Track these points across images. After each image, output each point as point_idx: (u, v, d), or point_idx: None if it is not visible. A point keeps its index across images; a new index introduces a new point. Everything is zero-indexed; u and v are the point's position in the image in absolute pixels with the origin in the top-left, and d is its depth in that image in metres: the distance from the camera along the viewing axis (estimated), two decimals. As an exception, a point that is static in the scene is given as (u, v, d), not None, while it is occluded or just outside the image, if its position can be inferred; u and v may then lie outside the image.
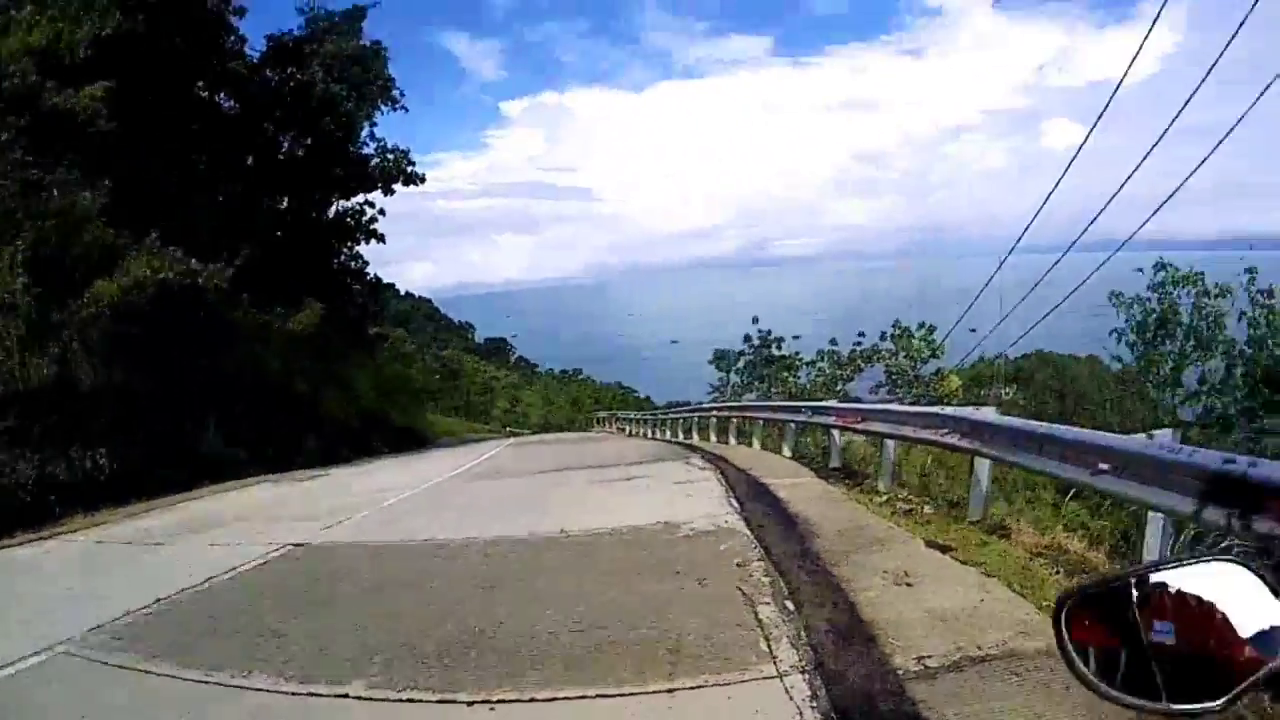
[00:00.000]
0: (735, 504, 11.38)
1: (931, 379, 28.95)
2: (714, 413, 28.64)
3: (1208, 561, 1.56)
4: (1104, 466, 7.29)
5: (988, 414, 10.69)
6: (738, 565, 7.92)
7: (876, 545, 8.59)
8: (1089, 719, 4.81)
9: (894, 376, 29.54)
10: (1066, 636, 1.60)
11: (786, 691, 5.01)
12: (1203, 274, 17.24)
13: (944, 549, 8.66)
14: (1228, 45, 11.29)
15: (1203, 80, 11.64)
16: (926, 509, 11.26)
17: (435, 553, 9.62)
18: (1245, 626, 1.46)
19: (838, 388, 31.08)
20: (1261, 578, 1.49)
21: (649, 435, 35.71)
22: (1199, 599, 1.50)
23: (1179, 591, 1.53)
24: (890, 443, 13.02)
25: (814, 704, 4.84)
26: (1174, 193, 13.01)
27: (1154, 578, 1.58)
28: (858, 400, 26.65)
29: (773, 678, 5.23)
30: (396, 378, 45.61)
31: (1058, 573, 8.00)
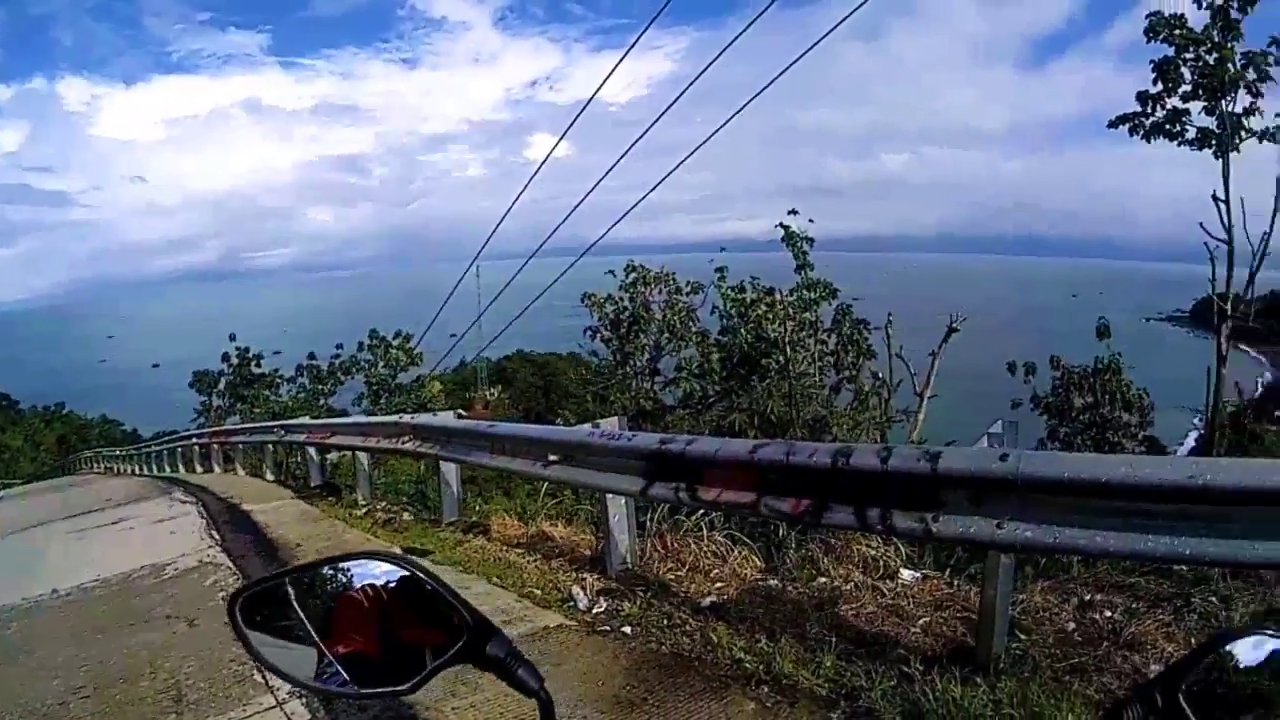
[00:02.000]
0: (217, 536, 11.50)
1: (412, 386, 29.00)
2: (194, 440, 27.86)
3: (366, 559, 1.64)
4: (553, 458, 8.14)
5: (445, 419, 11.47)
6: (224, 599, 7.75)
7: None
8: (581, 691, 5.54)
9: (374, 386, 29.31)
10: (244, 628, 1.58)
11: (288, 718, 5.26)
12: (674, 273, 18.60)
13: (423, 554, 9.18)
14: (696, 77, 12.31)
15: (667, 108, 12.73)
16: (406, 516, 11.84)
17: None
18: (419, 612, 1.58)
19: (320, 403, 30.55)
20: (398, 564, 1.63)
21: (135, 471, 33.93)
22: (368, 589, 1.60)
23: (343, 583, 1.62)
24: (363, 455, 13.48)
25: (316, 724, 5.14)
26: (635, 205, 14.46)
27: (324, 571, 1.68)
28: (343, 413, 26.26)
29: (272, 707, 5.42)
30: None
31: (536, 559, 8.75)
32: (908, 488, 5.28)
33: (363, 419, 16.48)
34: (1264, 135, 17.65)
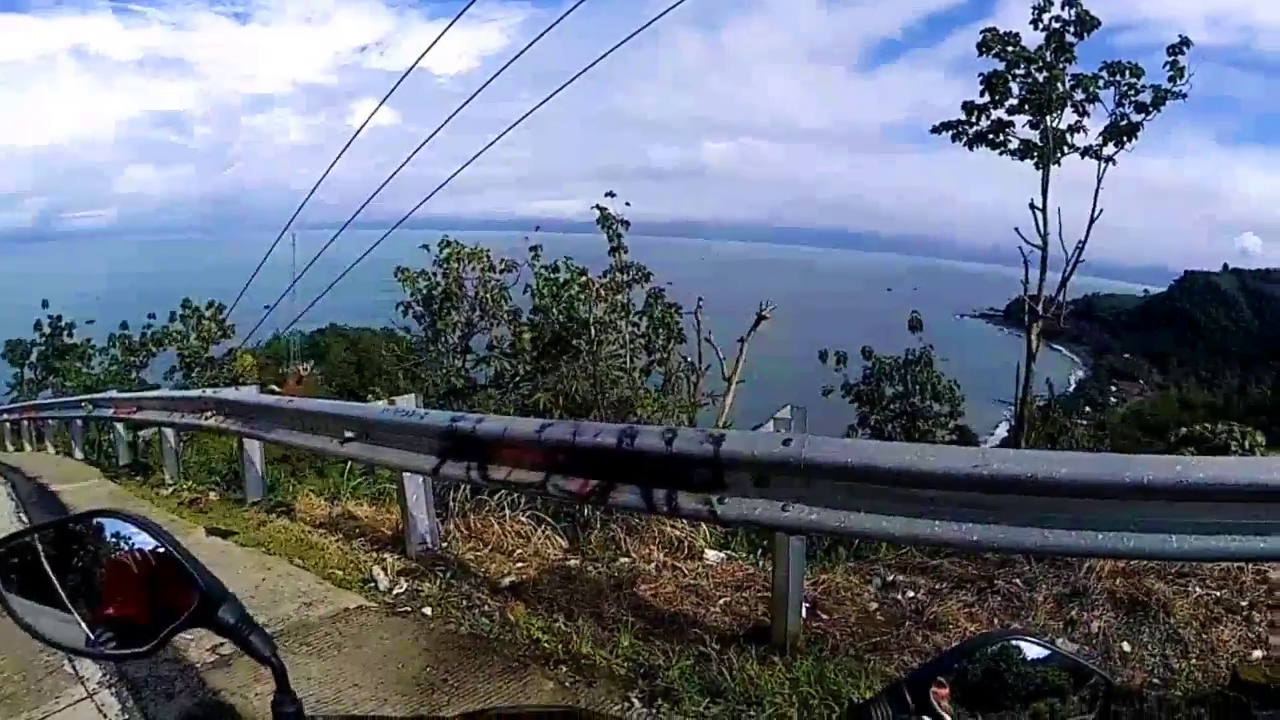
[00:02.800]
0: (25, 520, 10.83)
1: (224, 360, 28.11)
2: (4, 417, 26.54)
3: (108, 518, 1.61)
4: (350, 434, 7.95)
5: (247, 394, 11.18)
6: None
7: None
8: (380, 674, 5.44)
9: (186, 359, 28.21)
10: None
11: (99, 709, 5.08)
12: (488, 250, 18.18)
13: (225, 534, 8.97)
14: (520, 54, 12.17)
15: (486, 83, 12.66)
16: (212, 496, 11.49)
17: None
18: (157, 574, 1.55)
19: (132, 376, 29.40)
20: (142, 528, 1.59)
21: None
22: (108, 549, 1.58)
23: (88, 542, 1.61)
24: (170, 431, 13.09)
25: (125, 714, 5.03)
26: (448, 180, 14.42)
27: (72, 528, 1.66)
28: (155, 388, 25.27)
29: (84, 699, 5.20)
30: None
31: (339, 539, 8.60)
32: (693, 470, 5.31)
33: (167, 393, 15.85)
34: (1086, 152, 18.59)
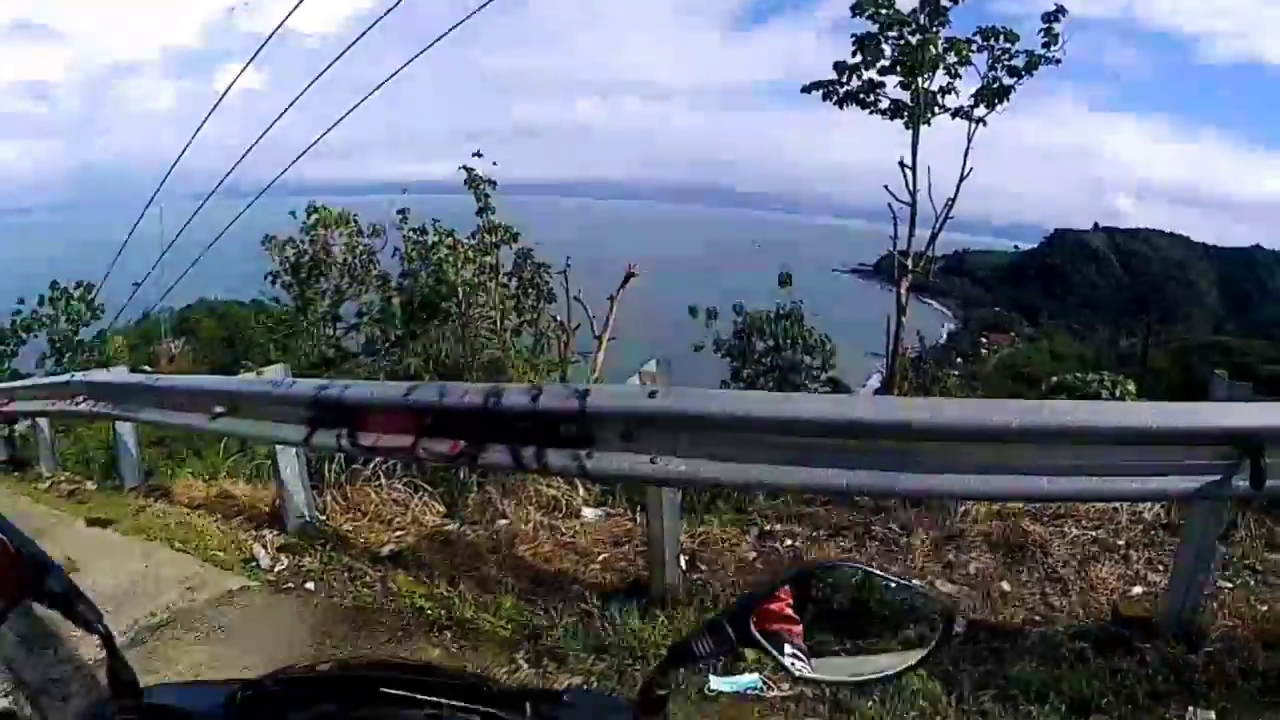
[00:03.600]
0: None
1: (94, 342, 27.18)
2: None
3: None
4: (219, 409, 7.62)
5: (116, 374, 10.74)
6: None
7: (39, 537, 8.04)
8: (268, 653, 5.28)
9: (57, 344, 27.17)
10: None
11: None
12: (357, 215, 18.10)
13: (105, 524, 8.60)
14: (386, 13, 11.81)
15: (351, 44, 12.14)
16: (89, 485, 11.16)
17: None
18: None
19: (3, 366, 28.22)
20: None
21: None
22: None
23: None
24: (44, 422, 12.65)
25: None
26: (313, 144, 13.83)
27: None
28: (28, 376, 24.26)
29: None
30: None
31: (218, 520, 8.32)
32: (559, 425, 5.26)
33: (35, 380, 15.17)
34: (958, 113, 18.76)
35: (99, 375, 10.76)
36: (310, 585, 6.50)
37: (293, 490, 7.61)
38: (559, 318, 16.42)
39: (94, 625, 1.48)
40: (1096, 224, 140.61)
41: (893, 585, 1.69)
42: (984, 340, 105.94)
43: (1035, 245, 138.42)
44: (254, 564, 7.05)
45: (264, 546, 7.31)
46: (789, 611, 1.48)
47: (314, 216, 17.72)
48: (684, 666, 1.51)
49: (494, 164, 16.51)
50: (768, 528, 6.74)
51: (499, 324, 15.31)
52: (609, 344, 16.11)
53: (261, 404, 7.25)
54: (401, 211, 17.22)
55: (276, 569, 6.91)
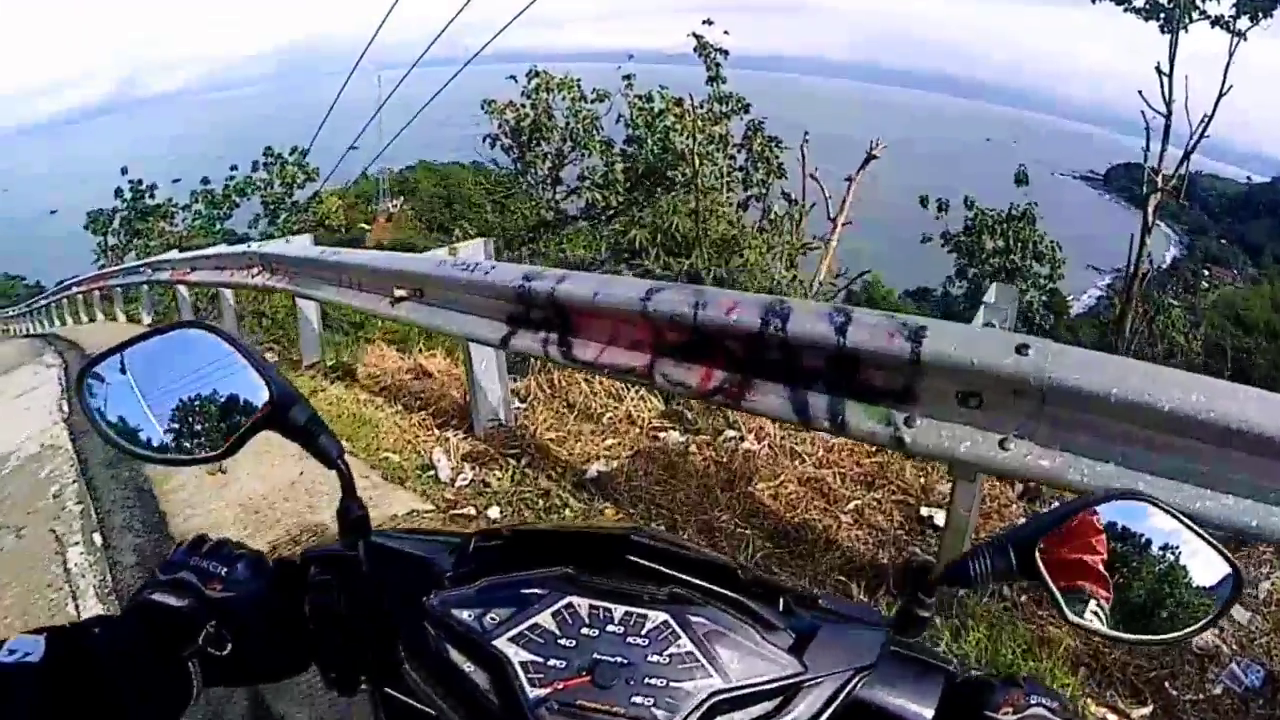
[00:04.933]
0: (66, 409, 9.99)
1: (309, 203, 27.34)
2: (75, 290, 25.34)
3: (182, 329, 1.49)
4: (401, 293, 6.44)
5: (294, 246, 9.43)
6: (54, 497, 6.74)
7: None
8: None
9: (271, 206, 27.72)
10: (88, 401, 1.41)
11: None
12: (579, 79, 17.61)
13: None
14: None
15: None
16: (269, 356, 10.22)
17: None
18: (228, 379, 1.44)
19: (216, 228, 28.80)
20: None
21: (29, 330, 30.61)
22: (187, 359, 1.45)
23: (164, 353, 1.47)
24: (228, 291, 11.95)
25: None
26: (524, 10, 12.61)
27: (150, 344, 1.46)
28: (245, 238, 24.44)
29: None
30: None
31: (398, 410, 7.32)
32: (869, 370, 3.79)
33: (218, 250, 14.55)
34: (1217, 22, 17.52)
35: (275, 246, 9.72)
36: (495, 512, 5.25)
37: (487, 388, 6.27)
38: (792, 195, 15.72)
39: (334, 460, 1.38)
40: None
41: (1186, 533, 1.27)
42: (1207, 272, 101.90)
43: (1269, 180, 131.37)
44: (431, 474, 5.82)
45: (446, 453, 6.06)
46: (1082, 546, 1.25)
47: (535, 81, 17.36)
48: (955, 586, 1.23)
49: (725, 33, 15.98)
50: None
51: (726, 197, 14.39)
52: (843, 229, 14.91)
53: (452, 290, 5.87)
54: (627, 77, 16.54)
55: (457, 484, 5.66)
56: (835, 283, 16.72)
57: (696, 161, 13.71)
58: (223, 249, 12.60)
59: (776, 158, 15.77)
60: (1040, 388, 3.30)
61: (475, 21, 15.37)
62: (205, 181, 30.71)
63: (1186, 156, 18.08)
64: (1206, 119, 17.17)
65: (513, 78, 17.62)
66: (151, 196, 32.84)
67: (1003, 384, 3.41)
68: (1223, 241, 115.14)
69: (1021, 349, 3.33)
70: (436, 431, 6.62)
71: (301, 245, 9.30)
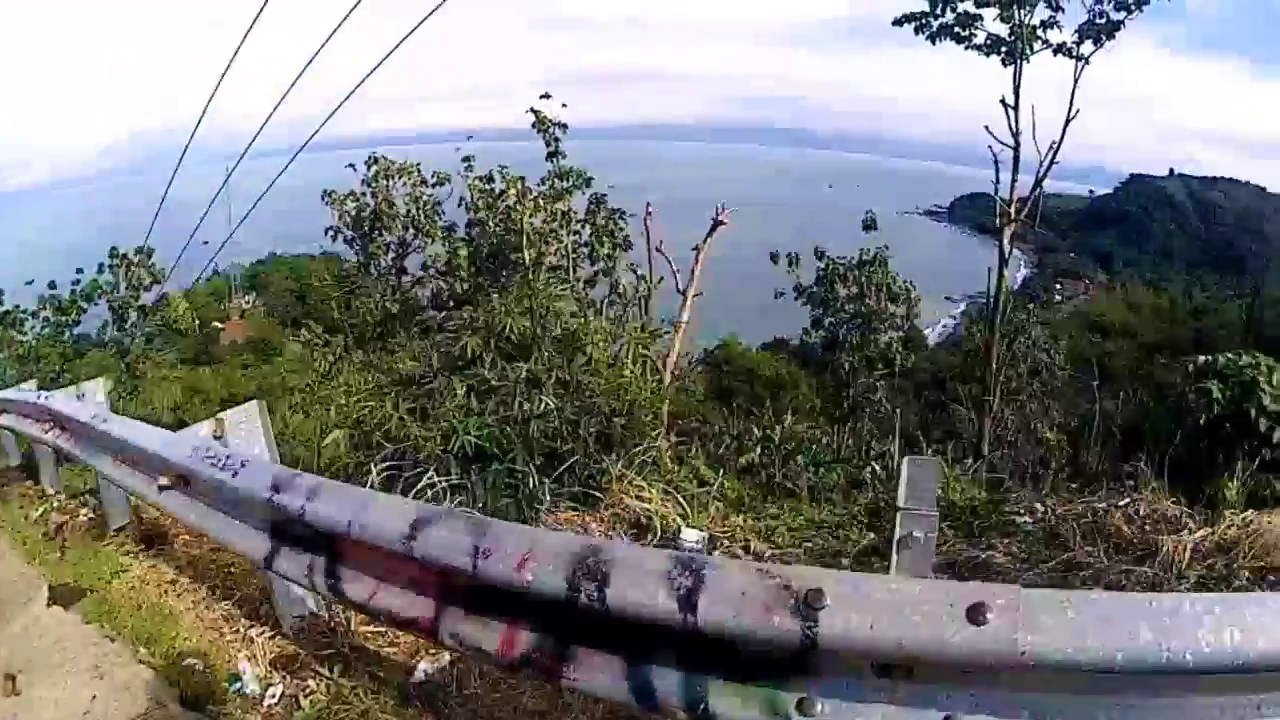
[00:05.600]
0: None
1: (160, 305, 26.48)
2: None
3: None
4: (164, 481, 5.18)
5: (72, 403, 7.80)
6: None
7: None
8: None
9: (117, 311, 26.46)
10: None
11: None
12: (418, 164, 17.64)
13: (73, 598, 6.20)
14: None
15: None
16: (84, 515, 8.56)
17: None
18: None
19: (64, 336, 27.60)
20: None
21: None
22: None
23: None
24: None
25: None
26: (350, 93, 12.64)
27: None
28: (101, 345, 23.74)
29: None
30: None
31: (204, 595, 6.14)
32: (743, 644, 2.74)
33: (8, 394, 12.43)
34: (1060, 49, 18.40)
35: (60, 401, 8.01)
36: (312, 736, 4.45)
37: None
38: (639, 270, 15.52)
39: None
40: (1173, 170, 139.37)
41: None
42: (1059, 286, 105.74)
43: (1110, 191, 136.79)
44: (238, 685, 4.83)
45: (252, 658, 5.05)
46: None
47: (374, 168, 17.31)
48: None
49: (563, 105, 15.92)
50: None
51: (570, 274, 14.12)
52: (694, 300, 14.88)
53: (211, 489, 4.82)
54: (467, 159, 16.54)
55: (267, 701, 4.69)
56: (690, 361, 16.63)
57: (529, 246, 13.29)
58: (13, 394, 10.74)
59: (621, 230, 15.93)
60: (1009, 666, 2.35)
61: (325, 105, 15.08)
62: (52, 286, 29.69)
63: (1038, 183, 18.82)
64: (1055, 145, 17.93)
65: (351, 165, 17.57)
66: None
67: (946, 663, 2.44)
68: (1072, 255, 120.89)
69: (977, 615, 2.32)
70: (244, 626, 5.55)
71: (90, 397, 8.19)
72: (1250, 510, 6.19)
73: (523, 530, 3.51)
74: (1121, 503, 6.54)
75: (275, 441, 5.67)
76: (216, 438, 5.14)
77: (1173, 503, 6.49)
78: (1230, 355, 11.36)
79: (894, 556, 3.45)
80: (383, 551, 3.62)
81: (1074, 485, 10.32)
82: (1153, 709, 2.30)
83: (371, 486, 6.64)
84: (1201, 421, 10.76)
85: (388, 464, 7.95)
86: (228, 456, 4.57)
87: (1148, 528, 6.10)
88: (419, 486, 6.92)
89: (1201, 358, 11.71)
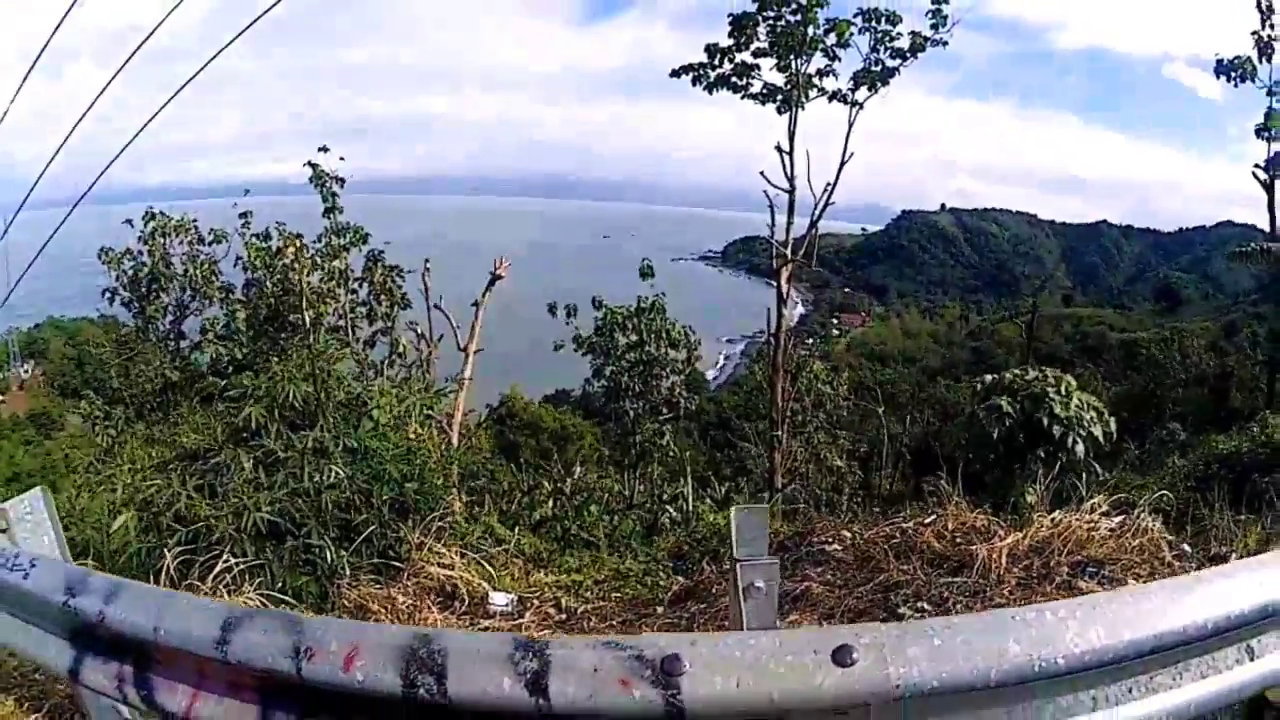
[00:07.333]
0: None
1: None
2: None
3: None
4: None
5: None
6: None
7: None
8: None
9: None
10: None
11: None
12: (195, 221, 16.98)
13: None
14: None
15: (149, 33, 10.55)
16: None
17: None
18: None
19: None
20: None
21: None
22: None
23: None
24: None
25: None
26: (126, 146, 12.04)
27: None
28: None
29: None
30: None
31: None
32: None
33: None
34: (835, 96, 19.52)
35: None
36: None
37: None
38: (418, 327, 15.63)
39: None
40: (943, 204, 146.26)
41: None
42: (836, 320, 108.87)
43: (882, 227, 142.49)
44: None
45: None
46: None
47: (150, 225, 16.57)
48: None
49: (341, 159, 15.53)
50: None
51: (350, 335, 14.30)
52: (476, 356, 15.02)
53: (2, 589, 3.94)
54: (244, 215, 16.12)
55: None
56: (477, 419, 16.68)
57: (317, 306, 13.52)
58: None
59: (399, 288, 15.86)
60: (885, 701, 2.50)
61: (104, 156, 14.62)
62: None
63: (814, 224, 19.80)
64: (830, 186, 18.93)
65: (129, 221, 16.85)
66: None
67: (823, 709, 2.52)
68: (846, 290, 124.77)
69: (844, 657, 2.46)
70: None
71: None
72: (1058, 511, 6.54)
73: (343, 625, 3.49)
74: (928, 520, 6.88)
75: (63, 527, 4.83)
76: (1, 531, 4.41)
77: (980, 514, 6.87)
78: (1016, 371, 12.25)
79: (742, 610, 3.41)
80: (195, 657, 3.21)
81: (875, 509, 10.84)
82: (1033, 710, 2.62)
83: (167, 574, 6.33)
84: (995, 435, 11.56)
85: (181, 548, 7.21)
86: (16, 555, 3.96)
87: (959, 540, 6.46)
88: (216, 570, 6.42)
89: (988, 376, 12.56)
